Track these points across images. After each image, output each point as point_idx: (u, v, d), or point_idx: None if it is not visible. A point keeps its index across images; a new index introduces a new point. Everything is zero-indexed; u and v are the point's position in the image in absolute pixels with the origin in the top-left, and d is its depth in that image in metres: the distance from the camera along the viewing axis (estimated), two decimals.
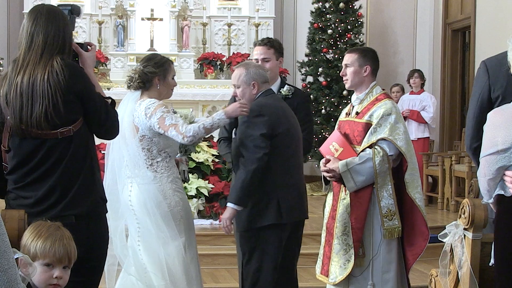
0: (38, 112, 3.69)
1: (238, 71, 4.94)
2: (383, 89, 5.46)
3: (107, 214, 4.91)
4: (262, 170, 4.72)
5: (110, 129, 3.97)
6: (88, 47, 4.06)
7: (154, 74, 4.97)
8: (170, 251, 4.85)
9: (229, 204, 4.79)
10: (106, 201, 4.04)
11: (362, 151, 5.05)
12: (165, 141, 4.90)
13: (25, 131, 3.74)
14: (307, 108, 5.75)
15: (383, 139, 5.01)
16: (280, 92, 5.61)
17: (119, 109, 4.99)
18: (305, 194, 5.13)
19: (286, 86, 5.66)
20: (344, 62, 5.29)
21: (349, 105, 5.41)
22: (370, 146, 5.04)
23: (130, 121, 4.94)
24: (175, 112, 5.16)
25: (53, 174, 3.75)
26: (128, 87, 5.07)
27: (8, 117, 3.76)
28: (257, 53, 5.62)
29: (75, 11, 4.04)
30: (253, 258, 4.84)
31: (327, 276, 5.17)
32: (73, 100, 3.75)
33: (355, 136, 5.14)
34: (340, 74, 5.36)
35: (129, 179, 4.95)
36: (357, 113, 5.20)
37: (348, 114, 5.33)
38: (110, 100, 3.96)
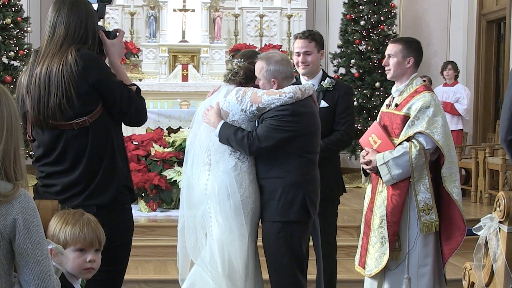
0: (53, 103, 3.72)
1: (259, 63, 4.87)
2: (424, 81, 5.38)
3: (181, 203, 4.83)
4: (248, 152, 4.75)
5: (135, 117, 3.94)
6: (116, 33, 4.04)
7: None
8: (235, 244, 4.80)
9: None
10: (132, 189, 4.04)
11: (399, 144, 5.01)
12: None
13: (43, 122, 3.77)
14: (348, 101, 5.70)
15: (420, 132, 4.97)
16: (321, 84, 5.58)
17: (209, 101, 4.99)
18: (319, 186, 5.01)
19: (328, 78, 5.63)
20: (387, 52, 5.22)
21: (390, 96, 5.36)
22: (408, 139, 5.00)
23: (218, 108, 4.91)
24: None
25: (78, 165, 3.78)
26: (227, 80, 5.02)
27: (29, 108, 3.80)
28: (298, 46, 5.58)
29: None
30: (273, 251, 4.81)
31: (364, 268, 5.15)
32: (88, 91, 3.75)
33: (393, 129, 5.11)
34: (383, 63, 5.30)
35: (206, 166, 4.90)
36: (396, 105, 5.15)
37: (388, 105, 5.28)
38: (135, 88, 3.94)
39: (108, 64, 3.97)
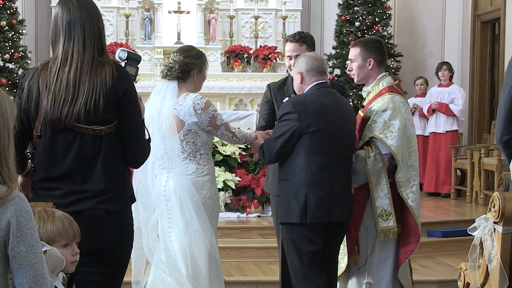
0: (79, 106, 3.70)
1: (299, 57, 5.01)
2: (395, 80, 5.27)
3: (137, 208, 4.92)
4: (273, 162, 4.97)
5: (135, 148, 3.91)
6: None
7: (193, 66, 4.95)
8: (199, 244, 4.83)
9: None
10: (135, 200, 4.03)
11: (360, 148, 4.94)
12: (209, 135, 4.91)
13: (61, 122, 3.73)
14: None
15: (374, 137, 4.89)
16: None
17: (154, 100, 4.97)
18: (342, 195, 4.83)
19: None
20: (349, 57, 5.20)
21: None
22: (368, 143, 4.93)
23: (170, 114, 4.88)
24: None
25: (89, 171, 3.75)
26: (164, 77, 5.00)
27: (45, 104, 3.74)
28: (289, 49, 5.51)
29: (131, 58, 4.14)
30: (286, 251, 4.84)
31: None
32: (113, 101, 3.74)
33: (357, 131, 5.00)
34: (347, 70, 5.28)
35: (165, 170, 4.93)
36: (363, 107, 5.13)
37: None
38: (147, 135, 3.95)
39: None
